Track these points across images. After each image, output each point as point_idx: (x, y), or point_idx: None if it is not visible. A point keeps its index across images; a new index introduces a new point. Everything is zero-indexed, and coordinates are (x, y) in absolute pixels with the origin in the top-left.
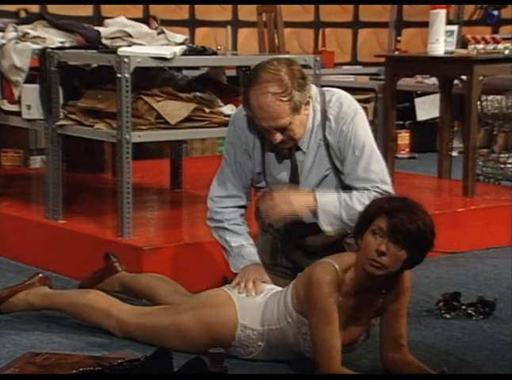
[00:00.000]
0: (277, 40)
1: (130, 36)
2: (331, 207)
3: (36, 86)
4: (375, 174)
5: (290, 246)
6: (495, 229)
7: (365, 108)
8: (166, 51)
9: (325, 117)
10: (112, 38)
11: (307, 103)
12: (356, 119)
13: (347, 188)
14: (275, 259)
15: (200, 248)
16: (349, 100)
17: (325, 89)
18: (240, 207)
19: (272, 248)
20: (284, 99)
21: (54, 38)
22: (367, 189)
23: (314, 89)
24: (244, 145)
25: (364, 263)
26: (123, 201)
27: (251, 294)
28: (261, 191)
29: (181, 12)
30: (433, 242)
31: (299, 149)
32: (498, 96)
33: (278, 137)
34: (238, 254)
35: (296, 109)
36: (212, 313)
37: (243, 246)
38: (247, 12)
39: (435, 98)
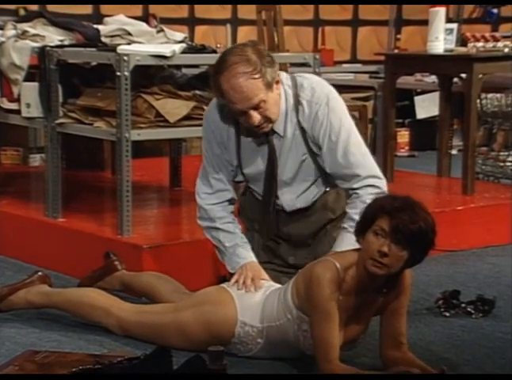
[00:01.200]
0: (276, 38)
1: (129, 34)
2: (350, 240)
3: (35, 84)
4: (354, 157)
5: (276, 241)
6: (495, 228)
7: (365, 106)
8: (166, 50)
9: (297, 101)
10: (112, 36)
11: (278, 82)
12: (330, 104)
13: (327, 175)
14: (263, 256)
15: (200, 246)
16: (322, 85)
17: (296, 74)
18: (228, 201)
19: (258, 245)
20: (256, 76)
21: (53, 36)
22: (353, 189)
23: (284, 74)
24: (219, 137)
25: (365, 262)
26: (122, 199)
27: (250, 291)
28: (240, 185)
29: (181, 10)
30: (435, 242)
31: (274, 133)
32: (498, 95)
33: (256, 118)
34: (234, 254)
35: (269, 86)
36: (211, 310)
37: (238, 245)
38: (247, 10)
39: (435, 96)
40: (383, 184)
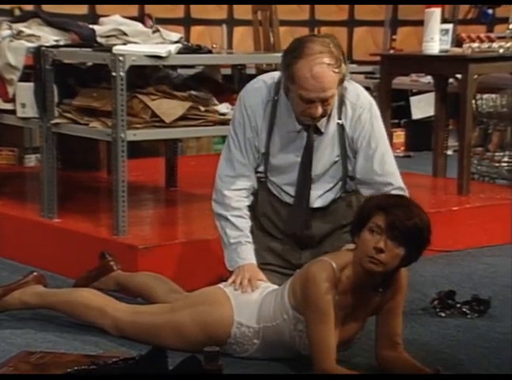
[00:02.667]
0: (272, 39)
1: (125, 34)
2: None
3: (30, 84)
4: (389, 167)
5: (282, 241)
6: (490, 228)
7: None
8: (161, 50)
9: (342, 101)
10: (107, 36)
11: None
12: (373, 111)
13: (347, 181)
14: (266, 258)
15: (196, 247)
16: (364, 92)
17: None
18: (248, 190)
19: (260, 246)
20: (336, 70)
21: (48, 36)
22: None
23: None
24: (253, 122)
25: (362, 260)
26: (118, 200)
27: (247, 291)
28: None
29: (177, 10)
30: (430, 239)
31: (316, 128)
32: (493, 95)
33: (319, 110)
34: (235, 251)
35: (341, 82)
36: (207, 310)
37: (241, 243)
38: (243, 10)
39: (430, 97)
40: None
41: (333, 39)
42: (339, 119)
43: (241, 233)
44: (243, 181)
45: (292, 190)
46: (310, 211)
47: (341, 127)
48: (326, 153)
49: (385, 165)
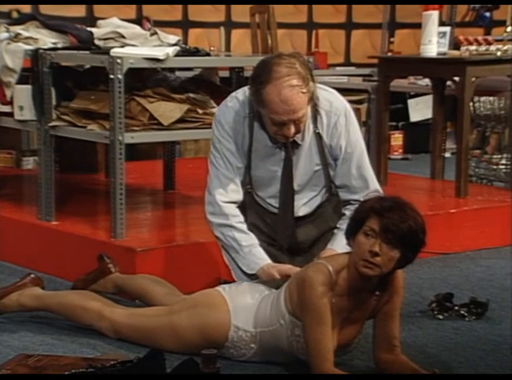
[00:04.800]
0: (270, 41)
1: (123, 36)
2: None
3: (28, 87)
4: (366, 171)
5: (276, 248)
6: (488, 230)
7: (358, 109)
8: (159, 52)
9: (315, 111)
10: (105, 39)
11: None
12: (348, 116)
13: (332, 185)
14: None
15: (193, 249)
16: (337, 96)
17: None
18: (237, 202)
19: None
20: (304, 91)
21: (46, 39)
22: (356, 200)
23: None
24: (234, 138)
25: (357, 264)
26: (116, 202)
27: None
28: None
29: (175, 13)
30: (425, 241)
31: (294, 142)
32: (491, 98)
33: (292, 130)
34: (250, 253)
35: (310, 100)
36: (205, 313)
37: (253, 245)
38: (240, 13)
39: (428, 99)
40: None
41: (299, 58)
42: (314, 128)
43: (249, 236)
44: (233, 195)
45: (275, 202)
46: (295, 222)
47: (318, 136)
48: (305, 163)
49: (362, 168)
